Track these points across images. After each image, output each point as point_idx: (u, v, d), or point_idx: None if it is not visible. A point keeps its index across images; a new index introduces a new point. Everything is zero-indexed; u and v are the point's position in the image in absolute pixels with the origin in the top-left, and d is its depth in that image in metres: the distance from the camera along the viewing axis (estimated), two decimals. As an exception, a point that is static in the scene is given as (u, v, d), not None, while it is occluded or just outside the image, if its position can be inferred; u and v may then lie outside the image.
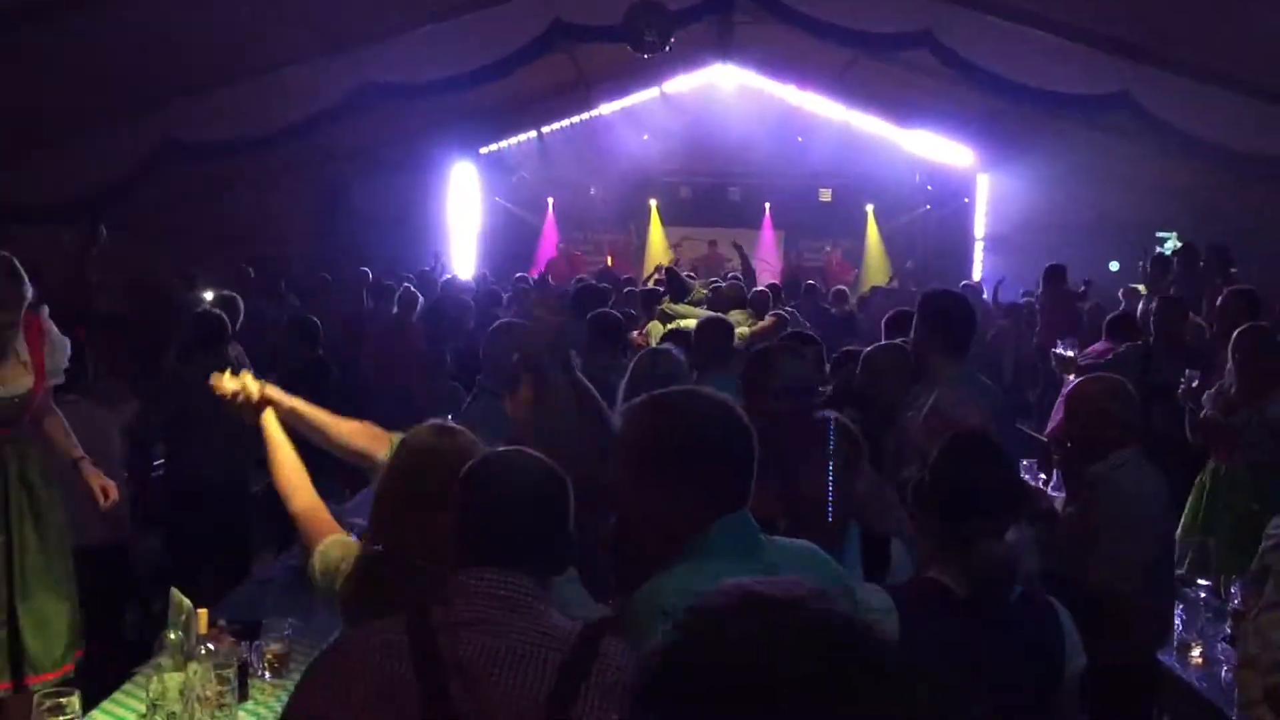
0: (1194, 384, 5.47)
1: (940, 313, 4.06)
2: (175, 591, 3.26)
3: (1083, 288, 11.64)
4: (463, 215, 18.32)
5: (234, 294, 7.21)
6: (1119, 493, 3.58)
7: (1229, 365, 5.38)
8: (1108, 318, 8.19)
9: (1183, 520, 5.28)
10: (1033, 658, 2.49)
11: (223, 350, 6.01)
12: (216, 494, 5.75)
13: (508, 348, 3.89)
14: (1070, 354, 6.91)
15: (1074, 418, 3.77)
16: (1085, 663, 2.57)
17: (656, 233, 21.41)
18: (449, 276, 14.36)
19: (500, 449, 2.15)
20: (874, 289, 16.15)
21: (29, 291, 4.08)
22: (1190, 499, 5.40)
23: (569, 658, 1.81)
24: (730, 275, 15.68)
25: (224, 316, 6.30)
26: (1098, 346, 7.70)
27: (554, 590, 2.03)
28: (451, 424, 2.67)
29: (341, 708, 1.78)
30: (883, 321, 5.67)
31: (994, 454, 2.66)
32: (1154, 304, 7.25)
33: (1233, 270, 8.88)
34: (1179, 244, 11.84)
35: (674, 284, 9.53)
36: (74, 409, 4.71)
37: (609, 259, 20.30)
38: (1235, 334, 5.37)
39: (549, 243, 20.80)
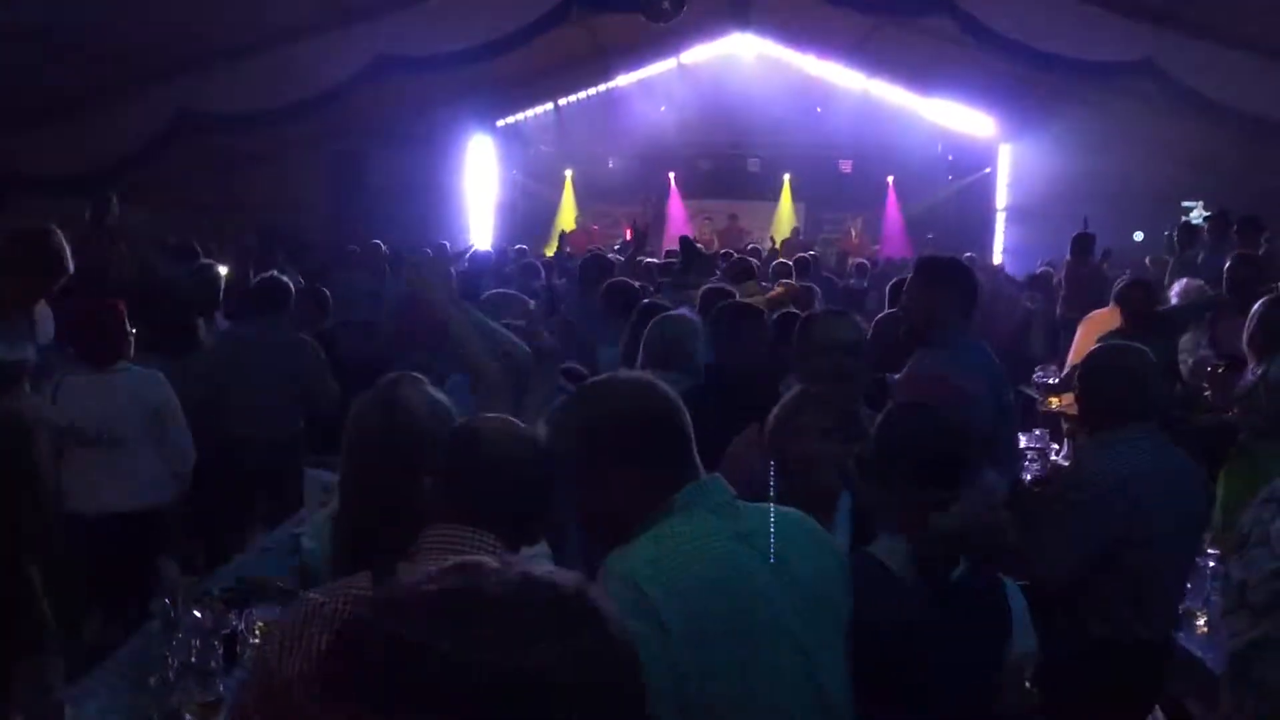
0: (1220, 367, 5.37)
1: (937, 278, 3.98)
2: (164, 559, 3.27)
3: (1101, 258, 11.47)
4: (480, 188, 18.26)
5: (212, 263, 7.09)
6: (1077, 474, 3.46)
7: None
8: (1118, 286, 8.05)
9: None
10: (971, 637, 2.41)
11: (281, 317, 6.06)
12: (258, 452, 5.75)
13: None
14: (1052, 381, 6.75)
15: (1080, 386, 3.66)
16: (1034, 646, 2.49)
17: (675, 205, 21.30)
18: (471, 249, 14.28)
19: (486, 415, 2.19)
20: (887, 260, 15.96)
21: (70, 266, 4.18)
22: (1221, 472, 5.31)
23: None
24: (750, 247, 15.63)
25: (286, 283, 6.26)
26: (1103, 313, 7.56)
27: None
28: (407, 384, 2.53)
29: (307, 661, 1.78)
30: (887, 288, 5.59)
31: (934, 423, 2.59)
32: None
33: (1266, 239, 8.73)
34: (1205, 214, 11.67)
35: (688, 256, 9.24)
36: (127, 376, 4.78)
37: (627, 232, 20.22)
38: (1259, 307, 5.26)
39: (567, 216, 20.73)
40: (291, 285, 6.35)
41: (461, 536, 1.95)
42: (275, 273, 6.52)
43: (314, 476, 3.72)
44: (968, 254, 13.50)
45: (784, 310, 5.59)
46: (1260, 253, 7.94)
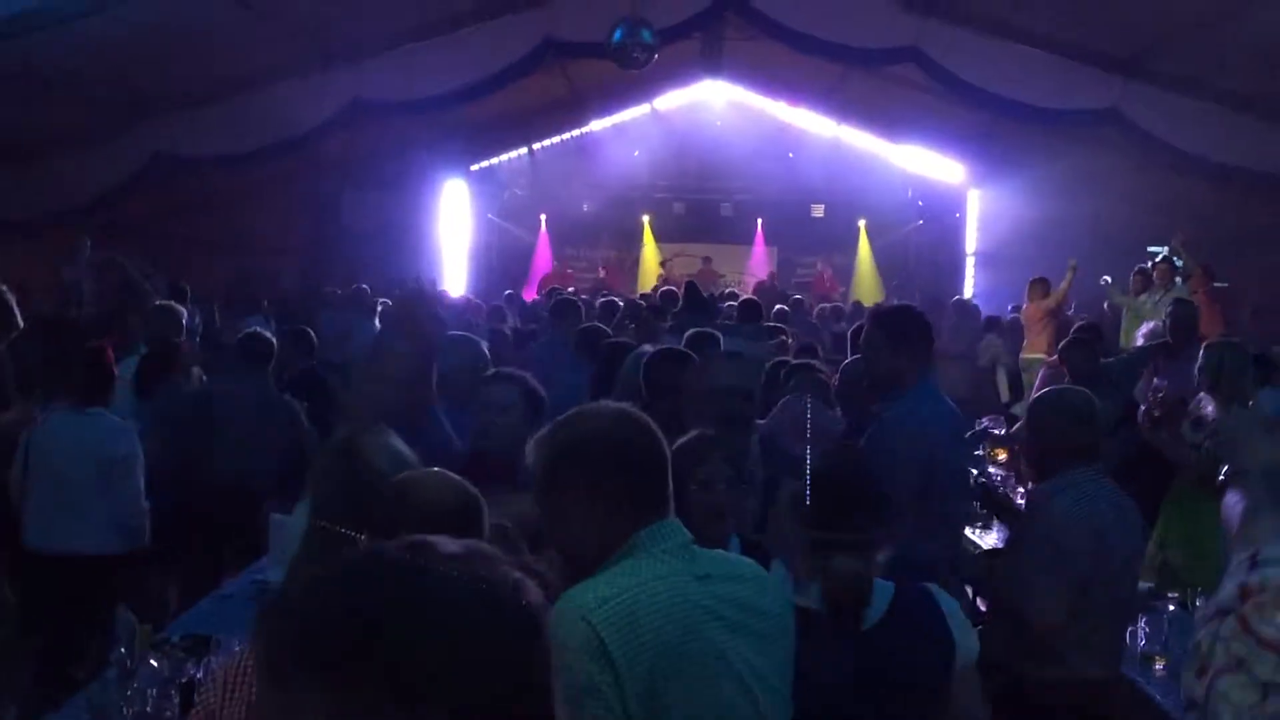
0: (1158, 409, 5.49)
1: (891, 330, 4.02)
2: (122, 607, 3.25)
3: (1068, 275, 11.54)
4: (454, 232, 18.29)
5: (173, 304, 7.09)
6: (1048, 517, 3.47)
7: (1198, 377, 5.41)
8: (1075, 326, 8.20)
9: (1154, 534, 5.27)
10: (912, 663, 2.43)
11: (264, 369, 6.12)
12: (230, 503, 5.71)
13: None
14: (999, 432, 6.82)
15: (1027, 432, 3.72)
16: (977, 647, 2.52)
17: (650, 249, 21.41)
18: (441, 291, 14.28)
19: (423, 472, 2.25)
20: (855, 304, 16.02)
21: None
22: (1162, 512, 5.39)
23: None
24: (727, 290, 15.71)
25: (271, 338, 6.35)
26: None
27: None
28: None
29: (250, 702, 1.84)
30: (849, 334, 5.65)
31: (851, 465, 2.66)
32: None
33: (1216, 285, 8.92)
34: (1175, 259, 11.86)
35: (691, 299, 9.17)
36: (99, 421, 4.78)
37: (602, 274, 20.31)
38: (1201, 351, 5.42)
39: (542, 259, 20.79)
40: (273, 339, 6.39)
41: None
42: (257, 328, 6.62)
43: (278, 521, 3.70)
44: (956, 298, 13.65)
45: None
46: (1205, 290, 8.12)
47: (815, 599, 2.41)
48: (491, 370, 4.15)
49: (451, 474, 2.23)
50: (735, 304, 9.66)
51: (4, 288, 4.24)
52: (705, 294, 11.88)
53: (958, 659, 2.48)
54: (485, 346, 4.56)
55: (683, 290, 9.69)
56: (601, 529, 2.01)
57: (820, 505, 2.49)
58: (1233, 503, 2.32)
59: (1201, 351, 5.43)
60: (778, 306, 11.17)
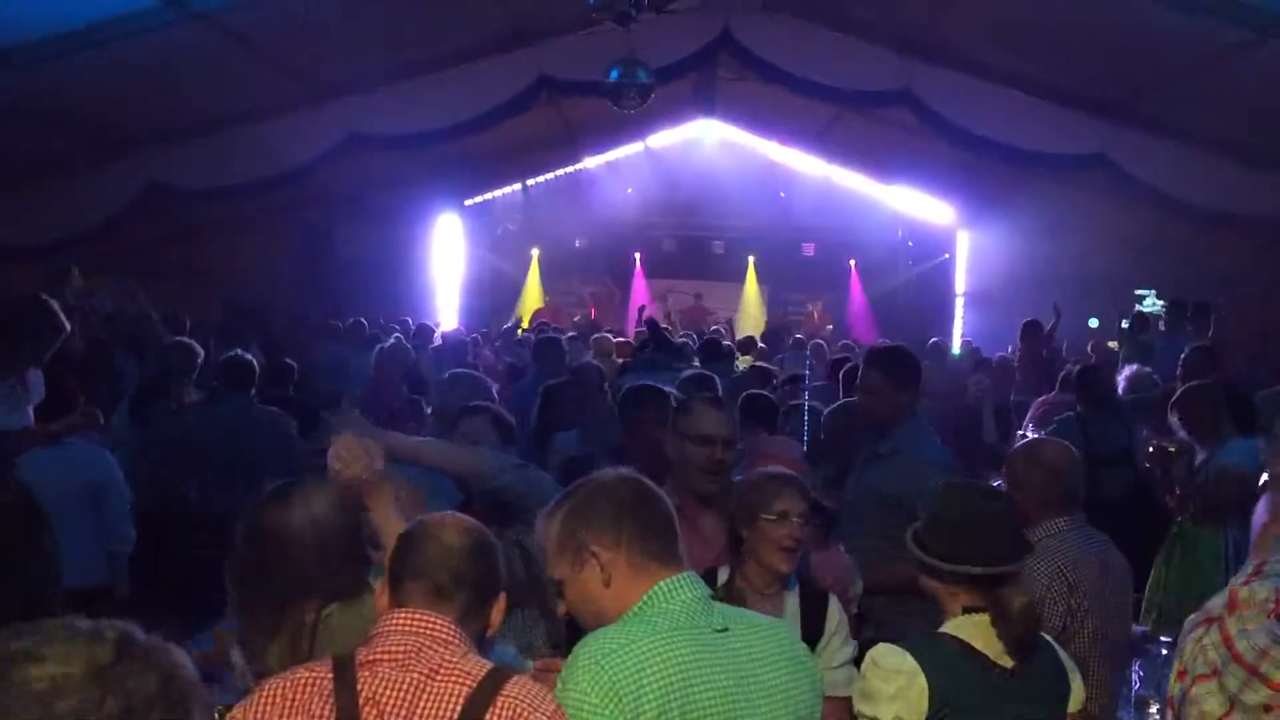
0: (1170, 447, 5.53)
1: (906, 371, 4.10)
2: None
3: (1049, 330, 11.61)
4: (447, 266, 18.36)
5: (191, 342, 7.15)
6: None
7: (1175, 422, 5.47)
8: (1073, 368, 8.26)
9: (1150, 577, 5.30)
10: (1050, 700, 2.58)
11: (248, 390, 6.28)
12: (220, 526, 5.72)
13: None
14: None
15: (1006, 483, 3.75)
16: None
17: (641, 285, 21.50)
18: (435, 328, 14.31)
19: (438, 515, 2.28)
20: (853, 342, 16.11)
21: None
22: (1159, 556, 5.42)
23: (474, 691, 1.93)
24: (713, 329, 15.77)
25: (253, 361, 6.46)
26: (1053, 397, 7.78)
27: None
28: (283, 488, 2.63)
29: None
30: (841, 375, 5.69)
31: (995, 497, 2.74)
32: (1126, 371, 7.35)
33: (1212, 331, 9.01)
34: (1159, 302, 11.97)
35: (656, 338, 9.33)
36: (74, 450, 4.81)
37: (591, 310, 20.38)
38: (1177, 394, 5.48)
39: (534, 295, 20.86)
40: (255, 362, 6.45)
41: (417, 618, 2.03)
42: (239, 351, 6.62)
43: None
44: (933, 339, 13.73)
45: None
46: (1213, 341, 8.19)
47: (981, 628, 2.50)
48: (470, 404, 4.21)
49: (466, 516, 2.28)
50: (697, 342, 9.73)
51: (49, 298, 4.28)
52: (697, 331, 11.97)
53: (1071, 704, 2.65)
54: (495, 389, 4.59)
55: (647, 329, 9.78)
56: (618, 580, 2.09)
57: (980, 541, 2.55)
58: (1260, 510, 2.36)
59: (1178, 395, 5.49)
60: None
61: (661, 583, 2.08)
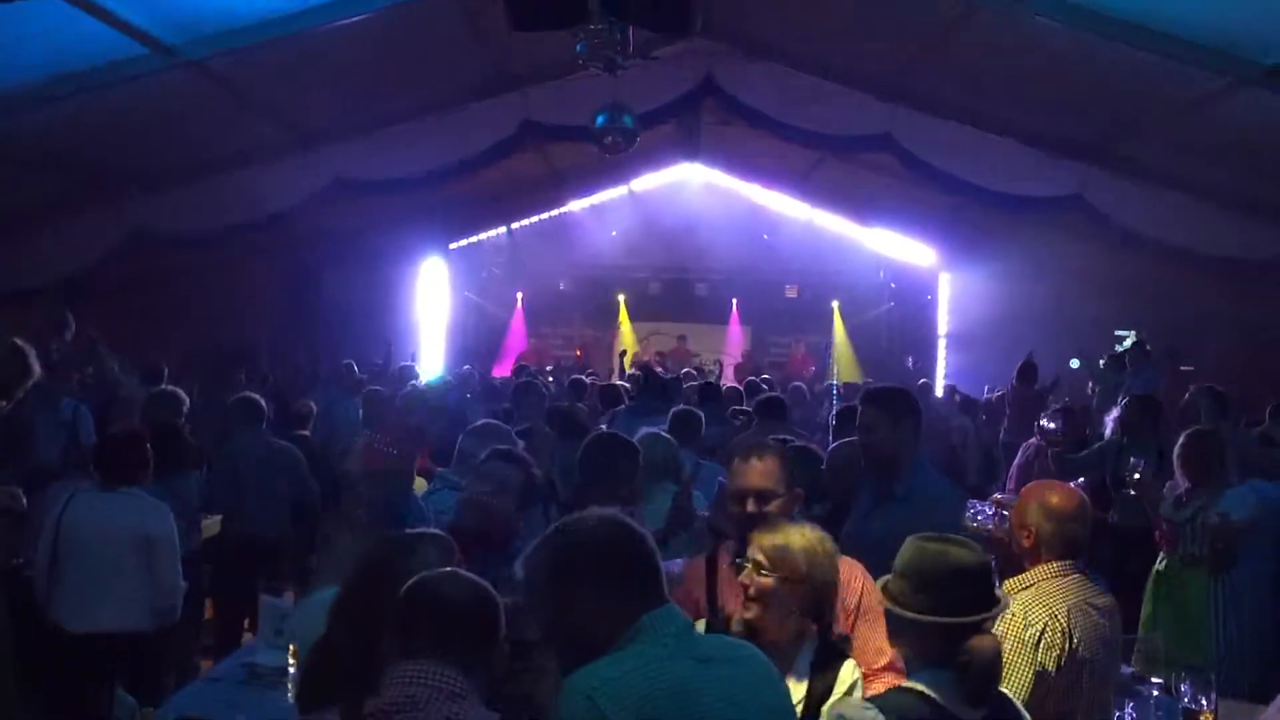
0: (1137, 474, 5.59)
1: (905, 407, 4.14)
2: (120, 691, 3.25)
3: (1050, 383, 11.76)
4: (432, 309, 18.39)
5: (176, 390, 7.25)
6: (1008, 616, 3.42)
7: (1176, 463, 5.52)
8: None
9: (1142, 614, 5.33)
10: None
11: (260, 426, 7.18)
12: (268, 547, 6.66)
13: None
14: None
15: (1013, 521, 3.72)
16: None
17: (625, 327, 21.59)
18: (409, 367, 14.30)
19: (440, 571, 2.36)
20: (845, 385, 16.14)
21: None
22: (1146, 593, 5.46)
23: None
24: (700, 368, 15.83)
25: (259, 401, 7.33)
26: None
27: None
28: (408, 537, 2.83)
29: None
30: (837, 415, 5.73)
31: (962, 546, 2.70)
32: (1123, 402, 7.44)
33: (1182, 368, 9.11)
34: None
35: (648, 381, 9.45)
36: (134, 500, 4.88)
37: (578, 352, 20.43)
38: (1181, 440, 5.52)
39: (517, 337, 20.90)
40: (262, 400, 7.39)
41: (425, 671, 2.08)
42: (247, 392, 7.54)
43: (270, 604, 3.71)
44: (922, 380, 13.83)
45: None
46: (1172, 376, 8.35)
47: (942, 684, 2.48)
48: (497, 447, 4.22)
49: (467, 573, 2.34)
50: (695, 385, 9.81)
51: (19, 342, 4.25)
52: (676, 373, 12.02)
53: None
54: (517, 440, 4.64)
55: (641, 372, 9.87)
56: (607, 619, 2.13)
57: (952, 590, 2.56)
58: None
59: (1183, 439, 5.52)
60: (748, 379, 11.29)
61: (646, 617, 2.12)
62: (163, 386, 7.05)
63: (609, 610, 2.13)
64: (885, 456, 4.07)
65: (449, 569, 2.39)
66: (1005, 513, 3.90)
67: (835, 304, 21.06)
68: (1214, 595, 5.02)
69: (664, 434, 5.27)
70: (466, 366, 13.74)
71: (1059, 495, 3.63)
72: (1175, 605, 5.16)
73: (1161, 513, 5.42)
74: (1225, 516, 5.08)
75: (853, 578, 3.31)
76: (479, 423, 4.90)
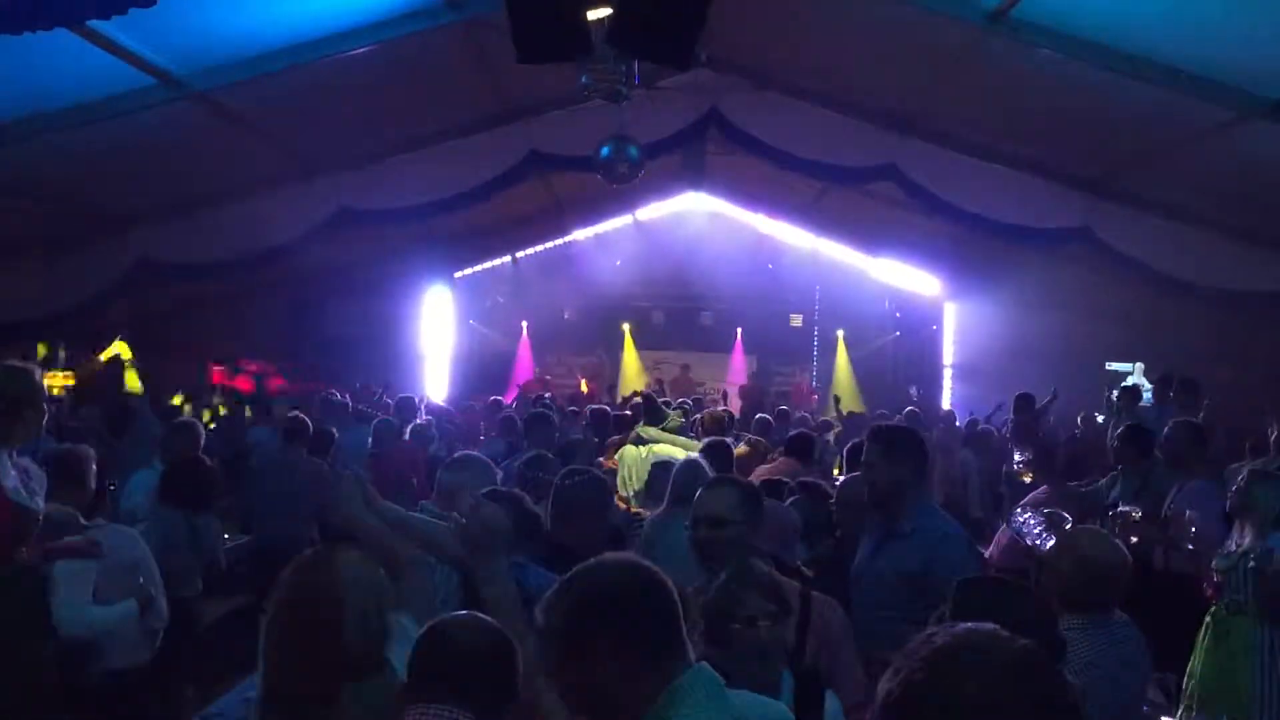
0: (1135, 515, 5.52)
1: (905, 446, 4.12)
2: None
3: (1043, 406, 11.61)
4: (437, 338, 18.40)
5: (194, 420, 7.30)
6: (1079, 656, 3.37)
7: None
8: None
9: (1189, 666, 5.20)
10: None
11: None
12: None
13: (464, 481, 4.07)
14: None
15: (1046, 567, 3.69)
16: None
17: (630, 356, 21.58)
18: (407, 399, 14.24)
19: (457, 616, 2.33)
20: (849, 416, 16.05)
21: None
22: (1198, 642, 5.33)
23: None
24: (708, 397, 15.79)
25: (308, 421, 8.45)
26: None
27: None
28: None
29: None
30: (845, 451, 5.70)
31: (1015, 594, 2.70)
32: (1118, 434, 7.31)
33: (1206, 402, 9.03)
34: (1143, 377, 12.08)
35: (650, 408, 9.47)
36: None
37: (582, 382, 20.40)
38: (1242, 479, 5.36)
39: (523, 366, 20.89)
40: (309, 422, 8.45)
41: (440, 714, 2.07)
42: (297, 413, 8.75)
43: None
44: (909, 409, 13.73)
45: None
46: (1200, 415, 8.20)
47: None
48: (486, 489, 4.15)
49: (484, 617, 2.31)
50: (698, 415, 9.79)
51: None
52: (680, 401, 11.98)
53: None
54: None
55: (642, 402, 9.83)
56: (631, 681, 1.97)
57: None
58: None
59: (1244, 479, 5.37)
60: (759, 415, 11.19)
61: (680, 680, 1.98)
62: (181, 419, 6.98)
63: (633, 672, 1.97)
64: (884, 494, 4.05)
65: (467, 613, 2.33)
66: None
67: (840, 333, 21.04)
68: (1259, 643, 4.86)
69: (701, 461, 5.23)
70: (405, 395, 13.30)
71: (1089, 542, 3.64)
72: (1220, 654, 5.04)
73: (1214, 566, 5.30)
74: (1271, 557, 4.93)
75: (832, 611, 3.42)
76: (457, 455, 4.79)
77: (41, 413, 3.94)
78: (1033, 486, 7.38)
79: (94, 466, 4.89)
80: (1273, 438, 7.67)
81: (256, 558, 7.39)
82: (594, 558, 2.23)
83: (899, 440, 4.14)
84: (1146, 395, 11.03)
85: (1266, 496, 5.15)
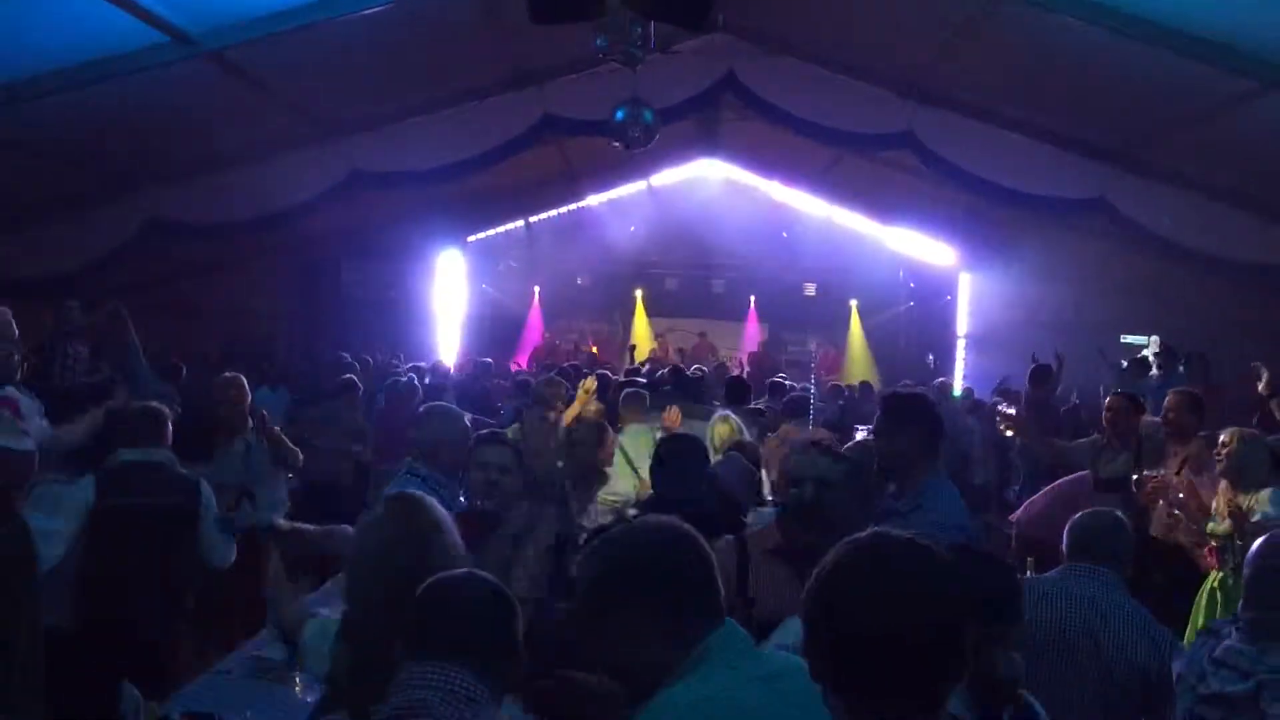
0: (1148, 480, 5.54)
1: (911, 413, 3.97)
2: (126, 684, 3.23)
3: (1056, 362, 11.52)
4: (449, 302, 18.38)
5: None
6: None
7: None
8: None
9: (1190, 625, 5.24)
10: None
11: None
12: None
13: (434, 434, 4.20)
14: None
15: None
16: None
17: (641, 323, 21.55)
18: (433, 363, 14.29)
19: (456, 573, 2.29)
20: (863, 385, 16.03)
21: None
22: (1198, 604, 5.36)
23: None
24: (716, 367, 15.77)
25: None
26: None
27: None
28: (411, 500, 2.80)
29: None
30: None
31: (988, 558, 2.66)
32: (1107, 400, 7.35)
33: (1211, 377, 9.01)
34: (1156, 348, 11.99)
35: (677, 378, 9.42)
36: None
37: (593, 348, 20.39)
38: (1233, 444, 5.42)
39: (534, 331, 20.89)
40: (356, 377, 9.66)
41: (436, 674, 2.02)
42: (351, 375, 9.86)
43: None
44: (940, 379, 13.73)
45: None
46: (1205, 386, 8.20)
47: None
48: (483, 433, 4.31)
49: (484, 573, 2.27)
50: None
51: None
52: (699, 369, 11.97)
53: None
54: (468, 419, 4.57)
55: (669, 370, 9.84)
56: (666, 643, 1.97)
57: (992, 597, 2.43)
58: None
59: (1235, 444, 5.43)
60: (771, 381, 11.19)
61: (711, 638, 1.99)
62: (227, 375, 6.89)
63: (667, 632, 1.97)
64: (888, 464, 3.96)
65: (466, 570, 2.31)
66: None
67: (853, 303, 20.96)
68: None
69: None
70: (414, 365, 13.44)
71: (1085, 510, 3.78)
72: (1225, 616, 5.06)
73: (1208, 530, 5.34)
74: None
75: None
76: (423, 408, 4.75)
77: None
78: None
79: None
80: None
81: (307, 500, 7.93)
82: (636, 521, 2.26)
83: (903, 409, 4.00)
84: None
85: (1248, 456, 5.22)
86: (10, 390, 4.15)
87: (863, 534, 1.71)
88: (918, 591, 1.60)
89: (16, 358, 3.97)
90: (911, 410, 3.99)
